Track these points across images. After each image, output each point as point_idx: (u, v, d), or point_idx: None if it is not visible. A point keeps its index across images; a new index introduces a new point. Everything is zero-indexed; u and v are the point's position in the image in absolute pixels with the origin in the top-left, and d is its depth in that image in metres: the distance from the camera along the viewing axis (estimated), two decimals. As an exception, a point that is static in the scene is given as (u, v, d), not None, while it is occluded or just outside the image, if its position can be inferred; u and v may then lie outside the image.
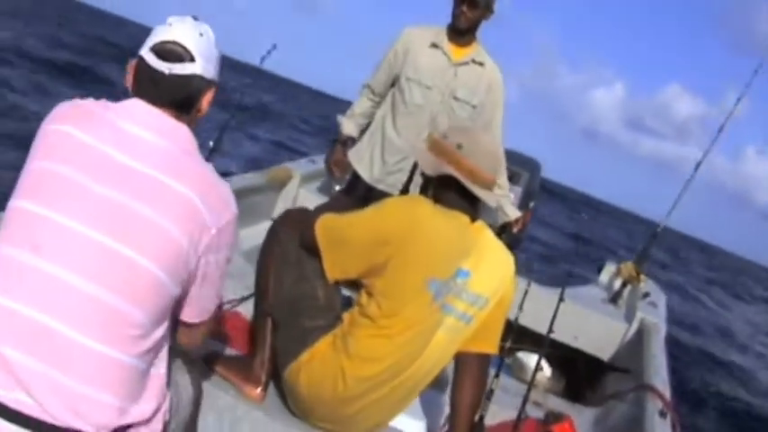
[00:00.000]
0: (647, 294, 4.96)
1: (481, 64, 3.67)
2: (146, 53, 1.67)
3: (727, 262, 66.28)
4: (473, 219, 2.28)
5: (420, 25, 3.77)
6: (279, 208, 4.53)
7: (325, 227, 2.30)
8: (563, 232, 24.22)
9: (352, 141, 3.88)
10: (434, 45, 3.64)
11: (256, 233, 2.86)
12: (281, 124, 24.99)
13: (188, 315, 1.78)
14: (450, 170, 2.22)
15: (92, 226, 1.53)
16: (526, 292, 3.15)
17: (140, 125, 1.63)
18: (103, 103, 1.69)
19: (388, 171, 3.71)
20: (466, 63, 3.65)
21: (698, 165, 5.47)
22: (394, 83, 3.73)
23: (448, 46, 3.64)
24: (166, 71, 1.65)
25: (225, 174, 1.71)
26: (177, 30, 1.68)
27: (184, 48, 1.66)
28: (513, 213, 3.85)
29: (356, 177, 3.85)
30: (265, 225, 3.98)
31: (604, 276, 5.56)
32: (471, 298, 2.25)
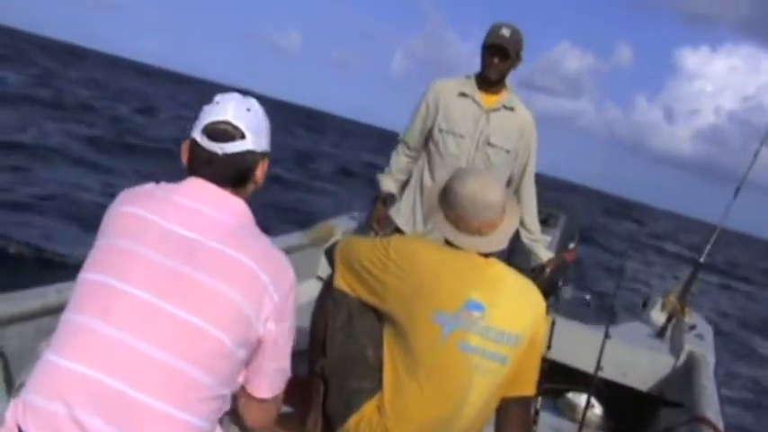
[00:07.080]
0: (693, 327, 4.95)
1: (512, 109, 3.74)
2: (198, 135, 1.78)
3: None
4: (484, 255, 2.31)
5: (447, 78, 3.85)
6: (323, 265, 4.63)
7: (345, 243, 2.50)
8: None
9: (391, 198, 3.93)
10: (463, 94, 3.71)
11: (301, 291, 3.01)
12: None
13: (257, 389, 1.82)
14: (438, 225, 2.35)
15: (161, 297, 1.62)
16: (568, 332, 3.17)
17: (201, 202, 1.74)
18: (164, 185, 1.81)
19: None
20: (497, 109, 3.71)
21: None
22: (428, 136, 3.81)
23: (478, 94, 3.70)
24: (219, 152, 1.75)
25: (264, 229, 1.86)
26: (224, 108, 1.78)
27: (234, 126, 1.76)
28: (544, 256, 3.85)
29: (398, 231, 3.90)
30: (310, 283, 4.04)
31: (649, 311, 5.54)
32: (496, 335, 2.21)
